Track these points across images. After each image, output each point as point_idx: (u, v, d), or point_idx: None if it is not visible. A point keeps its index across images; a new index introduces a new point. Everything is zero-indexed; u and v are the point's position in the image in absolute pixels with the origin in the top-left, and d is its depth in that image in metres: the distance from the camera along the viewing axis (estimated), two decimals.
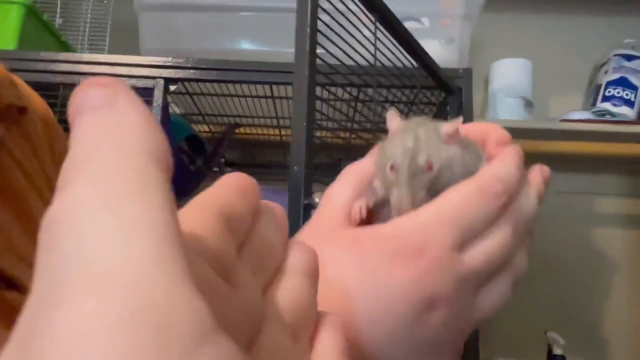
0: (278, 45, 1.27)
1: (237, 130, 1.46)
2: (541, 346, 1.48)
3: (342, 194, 0.35)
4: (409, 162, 0.32)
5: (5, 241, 0.37)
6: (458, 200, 0.31)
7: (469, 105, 1.11)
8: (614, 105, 1.68)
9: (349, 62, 0.84)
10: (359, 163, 0.38)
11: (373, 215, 0.35)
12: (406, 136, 0.33)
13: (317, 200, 0.70)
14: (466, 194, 0.31)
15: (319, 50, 0.76)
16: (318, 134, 0.79)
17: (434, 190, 0.32)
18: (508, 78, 1.69)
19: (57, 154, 0.49)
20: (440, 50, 1.15)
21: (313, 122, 0.72)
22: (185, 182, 1.32)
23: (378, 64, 0.85)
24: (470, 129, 0.37)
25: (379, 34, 0.84)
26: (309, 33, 0.71)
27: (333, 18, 0.76)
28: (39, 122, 0.48)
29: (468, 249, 0.31)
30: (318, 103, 0.77)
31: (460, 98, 1.11)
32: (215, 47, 1.27)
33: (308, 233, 0.34)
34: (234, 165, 1.59)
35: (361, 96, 1.08)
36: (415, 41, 0.92)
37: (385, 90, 1.12)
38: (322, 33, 0.76)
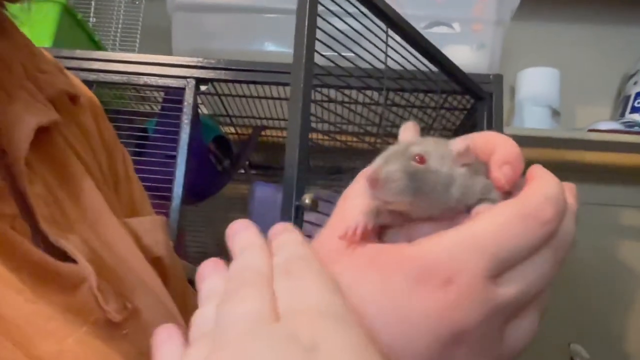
0: None
1: (262, 133, 1.46)
2: (564, 359, 1.46)
3: (356, 202, 0.32)
4: (398, 147, 0.30)
5: (64, 217, 0.38)
6: (498, 224, 0.27)
7: (499, 111, 1.11)
8: None
9: (364, 66, 0.85)
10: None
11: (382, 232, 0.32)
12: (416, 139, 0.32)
13: (307, 201, 0.70)
14: (508, 217, 0.28)
15: (329, 53, 0.77)
16: (315, 136, 0.80)
17: (418, 190, 0.28)
18: (535, 87, 1.68)
19: (106, 142, 0.50)
20: (471, 56, 1.15)
21: (308, 125, 0.73)
22: (211, 182, 1.33)
23: (390, 68, 0.85)
24: (477, 138, 0.32)
25: (392, 41, 0.84)
26: (306, 36, 0.72)
27: (346, 23, 0.77)
28: (89, 110, 0.49)
29: (503, 278, 0.27)
30: (328, 106, 0.77)
31: (490, 104, 1.10)
32: (243, 49, 1.28)
33: (323, 243, 0.31)
34: (259, 168, 1.60)
35: (377, 100, 1.08)
36: (434, 47, 0.93)
37: (408, 94, 1.12)
38: (332, 37, 0.77)
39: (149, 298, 0.41)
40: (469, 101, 1.20)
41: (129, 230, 0.44)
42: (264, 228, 1.32)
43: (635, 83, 1.71)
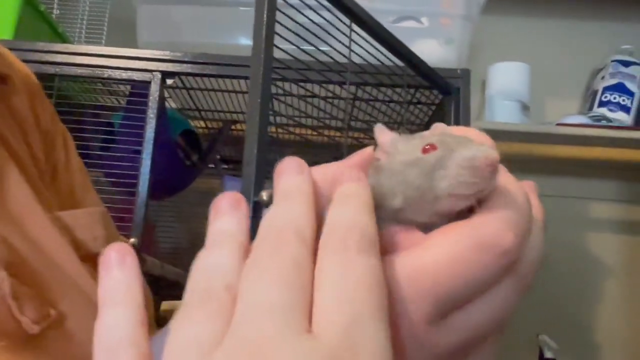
0: None
1: (233, 127, 1.45)
2: (533, 349, 1.48)
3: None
4: (454, 136, 0.25)
5: None
6: (447, 257, 0.23)
7: (466, 106, 1.11)
8: (611, 110, 1.68)
9: (328, 61, 0.84)
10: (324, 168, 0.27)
11: None
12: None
13: (264, 197, 0.69)
14: (459, 249, 0.23)
15: (289, 47, 0.76)
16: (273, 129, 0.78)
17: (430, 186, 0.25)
18: (505, 81, 1.69)
19: (42, 122, 0.47)
20: (439, 50, 1.15)
21: (267, 120, 0.72)
22: (180, 177, 1.32)
23: (354, 63, 0.85)
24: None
25: (356, 36, 0.84)
26: (265, 29, 0.71)
27: (308, 18, 0.76)
28: (23, 91, 0.45)
29: (451, 321, 0.24)
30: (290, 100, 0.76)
31: (458, 99, 1.11)
32: (213, 42, 1.26)
33: None
34: (229, 162, 1.59)
35: (340, 94, 1.08)
36: (399, 41, 0.92)
37: (372, 89, 1.12)
38: (293, 31, 0.76)
39: (79, 301, 0.39)
40: (437, 96, 1.20)
41: (61, 225, 0.41)
42: None
43: (602, 78, 1.73)
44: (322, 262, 0.21)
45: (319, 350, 0.18)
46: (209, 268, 0.22)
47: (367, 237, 0.22)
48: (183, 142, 1.31)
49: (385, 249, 0.24)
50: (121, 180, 1.11)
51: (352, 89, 1.16)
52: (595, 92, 1.74)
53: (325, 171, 0.26)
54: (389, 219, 0.26)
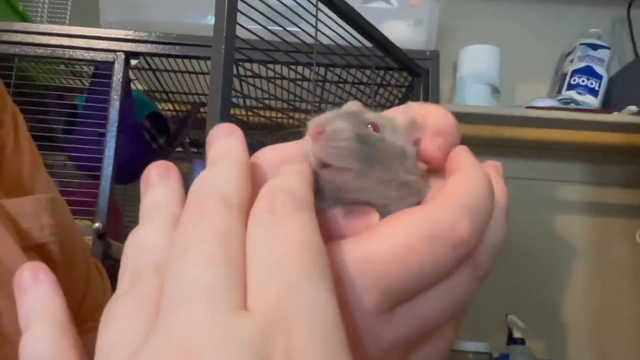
0: None
1: (202, 110, 1.43)
2: (502, 329, 1.50)
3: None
4: (349, 110, 0.24)
5: None
6: (398, 246, 0.21)
7: (435, 88, 1.11)
8: (579, 93, 1.70)
9: (294, 41, 0.83)
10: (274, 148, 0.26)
11: None
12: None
13: None
14: (411, 238, 0.22)
15: (254, 27, 0.75)
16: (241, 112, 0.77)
17: (369, 158, 0.23)
18: (476, 64, 1.69)
19: None
20: (408, 32, 1.14)
21: (229, 102, 0.70)
22: (146, 161, 1.29)
23: (321, 43, 0.84)
24: (412, 109, 0.27)
25: (324, 16, 0.82)
26: (227, 8, 0.69)
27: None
28: None
29: (402, 311, 0.22)
30: (254, 81, 0.75)
31: (427, 81, 1.10)
32: (179, 22, 1.23)
33: None
34: (199, 145, 1.56)
35: (308, 76, 1.07)
36: (367, 22, 0.91)
37: (340, 70, 1.11)
38: (259, 11, 0.75)
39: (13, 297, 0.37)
40: (406, 78, 1.19)
41: (2, 214, 0.39)
42: None
43: (571, 61, 1.75)
44: (250, 231, 0.20)
45: (249, 329, 0.17)
46: (138, 245, 0.21)
47: (296, 198, 0.20)
48: (149, 125, 1.29)
49: (330, 234, 0.23)
50: (85, 163, 1.09)
51: (321, 70, 1.15)
52: (564, 75, 1.75)
53: (280, 152, 0.25)
54: (333, 200, 0.24)
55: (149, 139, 1.26)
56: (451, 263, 0.22)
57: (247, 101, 0.90)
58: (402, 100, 1.28)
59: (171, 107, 1.48)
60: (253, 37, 0.76)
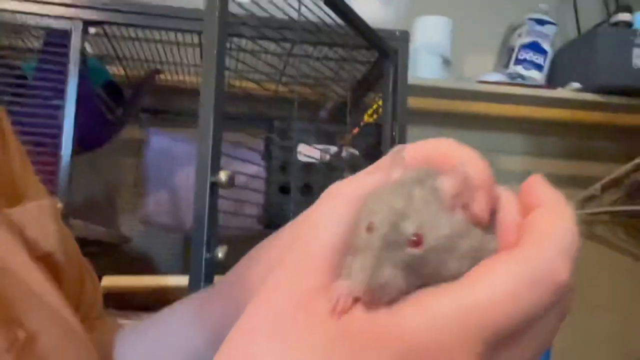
0: None
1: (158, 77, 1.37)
2: None
3: (327, 238, 0.25)
4: (389, 227, 0.23)
5: None
6: (501, 294, 0.21)
7: (404, 68, 1.11)
8: (525, 68, 1.76)
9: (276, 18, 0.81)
10: (358, 180, 0.26)
11: None
12: (397, 192, 0.24)
13: (222, 177, 0.66)
14: (513, 285, 0.21)
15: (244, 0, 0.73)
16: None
17: (418, 276, 0.23)
18: (429, 35, 1.70)
19: None
20: (379, 11, 1.13)
21: (223, 75, 0.68)
22: (101, 132, 1.24)
23: (302, 19, 0.83)
24: (430, 151, 0.26)
25: None
26: None
27: None
28: None
29: (502, 352, 0.22)
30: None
31: (397, 60, 1.11)
32: None
33: (280, 291, 0.24)
34: (151, 112, 1.51)
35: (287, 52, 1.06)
36: (343, 2, 0.91)
37: (307, 46, 1.10)
38: None
39: (44, 314, 0.35)
40: (372, 54, 1.19)
41: (8, 224, 0.36)
42: (161, 179, 1.28)
43: (519, 35, 1.79)
44: None
45: None
46: None
47: None
48: (104, 93, 1.22)
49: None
50: (36, 138, 1.03)
51: (287, 45, 1.13)
52: (511, 50, 1.80)
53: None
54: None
55: (104, 109, 1.20)
56: (551, 307, 0.22)
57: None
58: (368, 76, 1.27)
59: (122, 73, 1.41)
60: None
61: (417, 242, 0.22)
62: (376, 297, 0.22)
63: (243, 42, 0.99)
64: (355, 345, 0.21)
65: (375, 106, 1.11)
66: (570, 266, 0.22)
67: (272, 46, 1.07)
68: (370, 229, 0.23)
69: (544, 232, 0.23)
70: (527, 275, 0.21)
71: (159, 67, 1.36)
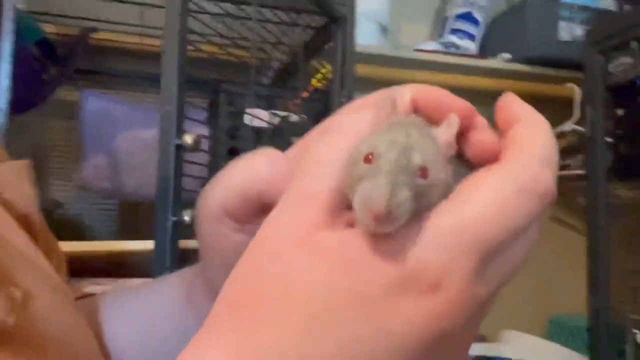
0: None
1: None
2: None
3: (328, 170, 0.25)
4: (398, 154, 0.22)
5: None
6: (491, 207, 0.22)
7: (352, 34, 1.12)
8: (460, 38, 1.81)
9: None
10: (357, 114, 0.27)
11: None
12: (396, 130, 0.24)
13: (187, 140, 0.65)
14: (501, 197, 0.22)
15: None
16: None
17: (419, 206, 0.23)
18: (368, 2, 1.71)
19: None
20: None
21: (186, 57, 0.67)
22: (36, 92, 1.18)
23: None
24: (423, 96, 0.26)
25: None
26: None
27: None
28: None
29: (490, 270, 0.23)
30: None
31: (345, 26, 1.11)
32: None
33: (274, 230, 0.24)
34: (85, 72, 1.44)
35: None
36: None
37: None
38: None
39: (35, 274, 0.34)
40: (314, 19, 1.19)
41: None
42: (99, 143, 1.24)
43: (454, 5, 1.84)
44: None
45: None
46: None
47: None
48: (39, 52, 1.16)
49: None
50: None
51: (226, 6, 1.11)
52: (446, 19, 1.85)
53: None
54: None
55: (38, 69, 1.14)
56: (539, 214, 0.23)
57: None
58: (311, 42, 1.27)
59: (54, 30, 1.33)
60: None
61: (423, 172, 0.23)
62: (393, 218, 0.22)
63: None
64: (353, 267, 0.22)
65: (324, 71, 1.12)
66: (552, 176, 0.23)
67: (229, 8, 1.04)
68: (370, 160, 0.23)
69: (524, 144, 0.24)
70: (513, 185, 0.22)
71: (94, 25, 1.30)
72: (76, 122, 1.33)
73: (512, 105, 0.26)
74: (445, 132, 0.25)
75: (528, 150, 0.24)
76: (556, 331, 1.80)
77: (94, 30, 1.29)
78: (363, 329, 0.21)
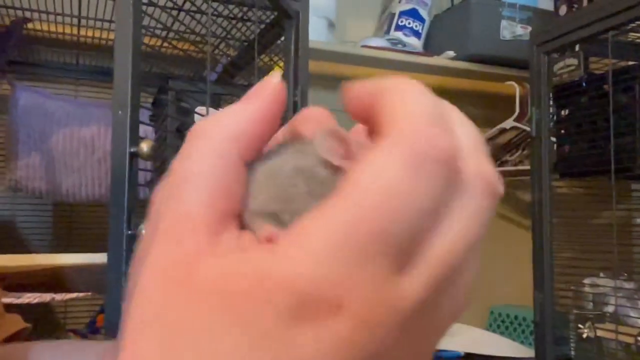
0: None
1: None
2: None
3: (199, 188, 0.20)
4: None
5: None
6: (376, 194, 0.18)
7: (305, 30, 1.10)
8: (405, 35, 1.81)
9: None
10: (226, 117, 0.22)
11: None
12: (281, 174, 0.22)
13: (143, 148, 0.59)
14: (391, 175, 0.18)
15: None
16: None
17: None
18: None
19: None
20: None
21: (140, 57, 0.63)
22: None
23: None
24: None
25: None
26: None
27: None
28: None
29: (416, 263, 0.18)
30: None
31: (298, 23, 1.08)
32: None
33: (148, 274, 0.19)
34: (16, 64, 1.35)
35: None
36: None
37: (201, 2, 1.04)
38: None
39: None
40: (265, 14, 1.16)
41: None
42: (33, 140, 1.18)
43: (399, 1, 1.84)
44: None
45: None
46: None
47: None
48: None
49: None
50: None
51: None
52: (392, 16, 1.85)
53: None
54: None
55: None
56: (447, 183, 0.19)
57: None
58: (261, 37, 1.24)
59: None
60: None
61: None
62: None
63: None
64: (240, 303, 0.18)
65: (276, 68, 1.09)
66: (449, 135, 0.19)
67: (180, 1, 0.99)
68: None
69: (398, 110, 0.20)
70: (399, 158, 0.18)
71: (27, 15, 1.21)
72: (7, 118, 1.24)
73: (362, 89, 0.22)
74: (322, 142, 0.21)
75: (407, 114, 0.19)
76: (496, 321, 1.86)
77: (28, 20, 1.21)
78: None
